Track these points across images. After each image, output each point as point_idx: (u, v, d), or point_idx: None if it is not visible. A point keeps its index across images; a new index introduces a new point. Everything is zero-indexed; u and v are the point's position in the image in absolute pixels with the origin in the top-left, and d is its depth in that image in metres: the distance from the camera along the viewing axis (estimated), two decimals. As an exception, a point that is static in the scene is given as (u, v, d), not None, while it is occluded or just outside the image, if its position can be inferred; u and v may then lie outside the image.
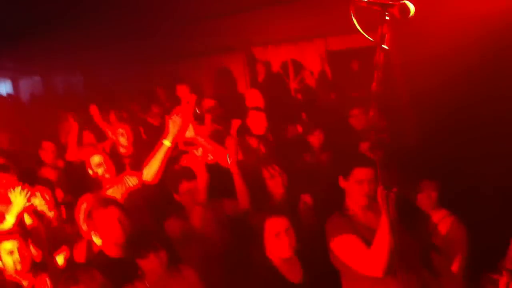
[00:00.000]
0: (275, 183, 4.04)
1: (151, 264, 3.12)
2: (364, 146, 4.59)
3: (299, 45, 9.86)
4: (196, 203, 3.93)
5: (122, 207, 3.52)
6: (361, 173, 3.10)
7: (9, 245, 3.36)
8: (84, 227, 3.66)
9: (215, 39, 9.49)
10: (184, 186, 3.95)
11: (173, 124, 4.16)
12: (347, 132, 5.63)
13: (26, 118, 10.06)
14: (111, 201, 3.55)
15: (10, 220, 3.65)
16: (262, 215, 3.36)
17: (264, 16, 8.04)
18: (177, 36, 9.26)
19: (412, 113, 6.12)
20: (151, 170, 4.16)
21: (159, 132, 6.64)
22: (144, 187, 4.37)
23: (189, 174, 4.02)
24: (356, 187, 3.11)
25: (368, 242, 2.93)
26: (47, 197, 4.18)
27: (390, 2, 1.94)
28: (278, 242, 3.13)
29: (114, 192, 4.31)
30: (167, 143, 4.15)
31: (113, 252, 3.38)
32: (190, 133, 4.58)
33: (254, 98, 6.22)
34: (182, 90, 7.69)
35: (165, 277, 3.15)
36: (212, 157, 4.76)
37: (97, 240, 3.44)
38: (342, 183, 3.20)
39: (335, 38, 9.30)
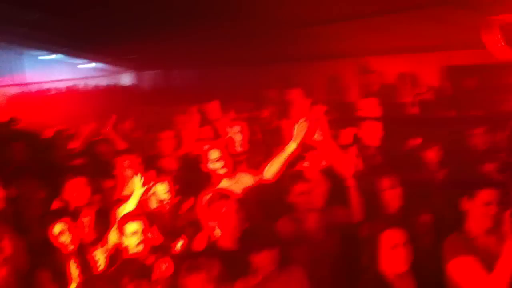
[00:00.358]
0: (392, 195, 3.97)
1: (264, 260, 3.17)
2: (489, 167, 4.37)
3: (417, 56, 9.58)
4: (310, 207, 3.95)
5: (239, 201, 3.67)
6: (488, 195, 3.01)
7: (134, 226, 3.56)
8: (204, 217, 3.80)
9: (328, 44, 9.47)
10: (298, 188, 3.98)
11: (301, 128, 4.25)
12: (467, 151, 5.41)
13: (148, 108, 10.59)
14: (230, 195, 3.71)
15: (132, 203, 3.89)
16: (377, 226, 3.31)
17: (380, 24, 7.92)
18: (291, 40, 9.36)
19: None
20: (272, 169, 4.27)
21: (273, 133, 6.86)
22: (259, 185, 4.50)
23: (304, 177, 4.06)
24: (482, 209, 3.02)
25: (488, 268, 2.82)
26: (167, 186, 4.37)
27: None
28: (394, 255, 3.06)
29: (229, 187, 4.44)
30: (293, 145, 4.23)
31: (228, 244, 3.50)
32: (316, 137, 4.60)
33: (370, 107, 6.12)
34: (296, 94, 7.78)
35: (275, 275, 3.20)
36: (325, 163, 4.77)
37: (215, 231, 3.58)
38: (465, 204, 3.10)
39: (455, 52, 8.95)
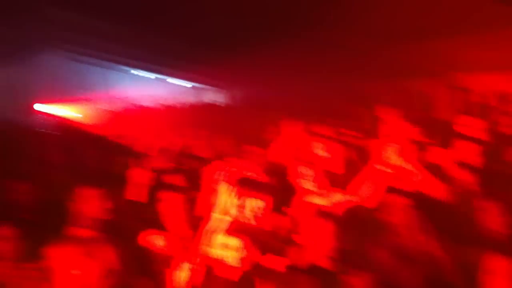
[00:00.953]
0: (493, 217, 3.73)
1: (362, 283, 3.08)
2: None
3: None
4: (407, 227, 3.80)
5: (334, 220, 3.59)
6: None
7: (234, 241, 3.54)
8: (300, 234, 3.75)
9: (417, 61, 9.24)
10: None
11: (392, 151, 4.13)
12: None
13: (237, 125, 10.75)
14: (325, 213, 3.64)
15: (226, 216, 3.88)
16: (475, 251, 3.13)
17: (471, 41, 7.68)
18: (378, 56, 9.21)
19: None
20: (364, 191, 4.17)
21: (363, 152, 6.72)
22: (352, 206, 4.42)
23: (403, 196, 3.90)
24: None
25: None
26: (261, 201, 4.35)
27: None
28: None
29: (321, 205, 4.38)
30: (383, 168, 4.11)
31: (323, 263, 3.43)
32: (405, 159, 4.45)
33: (468, 125, 5.88)
34: (386, 112, 7.60)
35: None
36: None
37: (309, 249, 3.53)
38: None
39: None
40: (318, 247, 3.52)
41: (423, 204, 4.26)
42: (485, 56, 8.23)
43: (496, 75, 9.32)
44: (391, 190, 4.24)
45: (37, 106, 19.16)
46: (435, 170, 4.81)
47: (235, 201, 4.09)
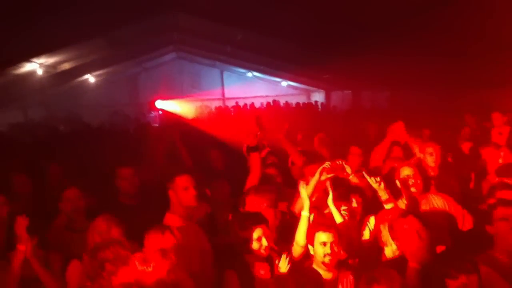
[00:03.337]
0: None
1: (460, 286, 2.97)
2: None
3: None
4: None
5: (424, 221, 3.50)
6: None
7: (324, 236, 3.54)
8: (388, 235, 3.70)
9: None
10: (500, 213, 3.62)
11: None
12: None
13: (336, 125, 10.74)
14: (411, 214, 3.58)
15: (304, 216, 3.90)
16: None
17: None
18: (490, 63, 8.71)
19: None
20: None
21: (467, 159, 6.44)
22: (450, 211, 4.29)
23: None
24: None
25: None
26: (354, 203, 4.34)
27: None
28: None
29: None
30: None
31: (413, 264, 3.38)
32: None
33: None
34: (497, 118, 7.25)
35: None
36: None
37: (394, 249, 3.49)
38: None
39: None
40: (405, 247, 3.45)
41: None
42: None
43: None
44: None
45: (158, 103, 20.22)
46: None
47: (329, 201, 4.11)
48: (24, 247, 3.79)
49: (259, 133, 4.91)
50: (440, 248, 3.68)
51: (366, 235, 4.20)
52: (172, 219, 4.00)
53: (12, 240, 3.91)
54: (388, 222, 3.72)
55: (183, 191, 4.02)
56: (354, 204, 4.30)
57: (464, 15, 6.85)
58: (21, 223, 3.84)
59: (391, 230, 3.62)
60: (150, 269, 3.01)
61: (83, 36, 10.96)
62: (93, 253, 3.20)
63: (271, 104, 20.25)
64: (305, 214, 3.83)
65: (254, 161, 4.75)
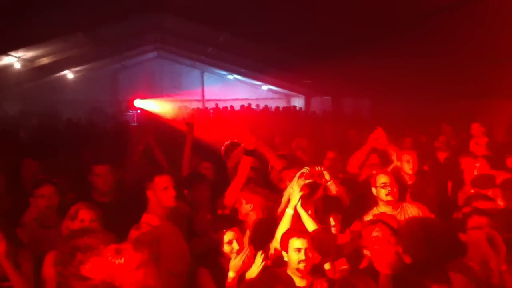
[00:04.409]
0: None
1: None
2: None
3: None
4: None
5: (394, 231, 3.52)
6: None
7: (298, 243, 3.50)
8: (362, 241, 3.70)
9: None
10: (474, 221, 3.62)
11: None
12: None
13: (315, 130, 10.80)
14: (381, 221, 3.60)
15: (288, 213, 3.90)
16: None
17: None
18: (471, 74, 8.83)
19: None
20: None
21: (443, 168, 6.52)
22: (425, 220, 4.30)
23: (484, 212, 3.70)
24: None
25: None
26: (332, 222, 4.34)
27: None
28: None
29: (390, 215, 4.29)
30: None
31: (385, 270, 3.39)
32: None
33: None
34: (476, 129, 7.34)
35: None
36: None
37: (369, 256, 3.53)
38: None
39: None
40: (375, 253, 3.46)
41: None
42: None
43: None
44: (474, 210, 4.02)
45: (137, 102, 20.12)
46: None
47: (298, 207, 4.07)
48: None
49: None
50: (413, 257, 3.67)
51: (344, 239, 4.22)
52: (149, 219, 3.95)
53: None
54: (364, 230, 3.72)
55: (162, 191, 3.99)
56: (332, 223, 4.29)
57: (448, 27, 6.93)
58: None
59: (362, 238, 3.63)
60: (121, 261, 2.94)
61: (63, 31, 10.84)
62: (66, 240, 3.15)
63: (251, 106, 20.28)
64: (289, 212, 3.84)
65: (245, 164, 4.70)
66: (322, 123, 13.47)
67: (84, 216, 3.83)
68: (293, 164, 5.41)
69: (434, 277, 3.01)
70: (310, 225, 3.97)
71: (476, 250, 3.56)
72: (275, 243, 3.79)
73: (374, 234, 3.48)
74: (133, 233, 3.43)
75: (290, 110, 19.60)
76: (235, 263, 3.54)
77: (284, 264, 3.61)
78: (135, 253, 3.00)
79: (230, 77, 22.66)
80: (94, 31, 11.86)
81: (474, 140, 7.06)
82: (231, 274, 3.52)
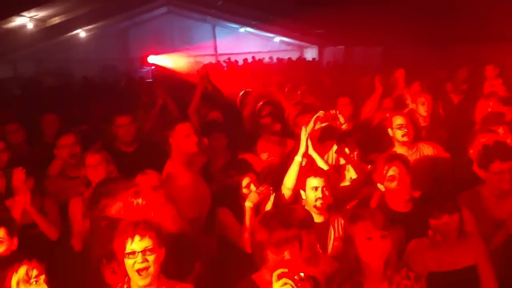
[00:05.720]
0: None
1: (443, 226, 3.09)
2: None
3: None
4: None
5: (407, 165, 3.62)
6: None
7: (315, 181, 3.67)
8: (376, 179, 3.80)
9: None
10: (496, 166, 3.66)
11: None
12: None
13: (329, 81, 10.77)
14: (398, 157, 3.69)
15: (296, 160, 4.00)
16: None
17: None
18: (483, 18, 8.68)
19: None
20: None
21: (457, 110, 6.53)
22: (436, 158, 4.41)
23: (505, 154, 3.74)
24: None
25: None
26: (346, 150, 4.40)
27: None
28: None
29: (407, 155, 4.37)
30: None
31: (398, 207, 3.55)
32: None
33: None
34: (490, 71, 7.29)
35: (452, 242, 3.11)
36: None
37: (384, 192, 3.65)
38: None
39: None
40: (390, 190, 3.58)
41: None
42: None
43: None
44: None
45: (151, 59, 20.07)
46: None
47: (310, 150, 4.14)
48: (22, 199, 3.90)
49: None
50: (423, 192, 3.77)
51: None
52: (172, 166, 4.17)
53: (9, 188, 4.02)
54: (378, 168, 3.80)
55: (184, 138, 4.19)
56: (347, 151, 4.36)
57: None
58: (18, 176, 3.95)
59: (375, 173, 3.72)
60: (139, 201, 3.24)
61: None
62: (94, 188, 3.47)
63: (264, 60, 20.17)
64: (298, 158, 3.92)
65: None
66: (336, 72, 13.42)
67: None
68: (307, 110, 5.51)
69: (444, 207, 3.10)
70: (323, 166, 4.11)
71: (494, 182, 3.67)
72: (283, 189, 3.92)
73: (391, 172, 3.56)
74: (139, 177, 3.60)
75: (303, 61, 19.43)
76: (252, 195, 3.71)
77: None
78: (154, 194, 3.32)
79: (242, 30, 22.44)
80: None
81: (488, 83, 7.02)
82: (248, 204, 3.68)
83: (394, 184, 3.54)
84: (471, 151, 4.24)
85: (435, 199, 3.25)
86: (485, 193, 3.74)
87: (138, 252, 2.59)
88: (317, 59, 19.70)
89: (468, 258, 3.11)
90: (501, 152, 3.69)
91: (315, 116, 4.17)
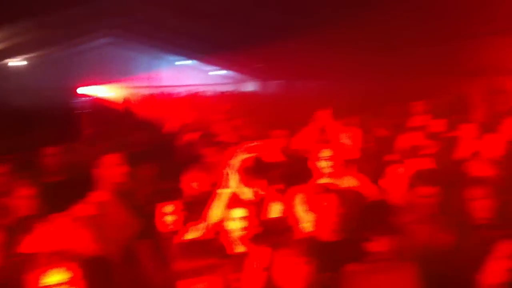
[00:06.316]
0: None
1: (376, 251, 3.18)
2: None
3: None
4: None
5: (335, 196, 3.72)
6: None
7: (239, 212, 3.69)
8: (304, 209, 3.87)
9: (457, 60, 9.14)
10: (420, 190, 3.91)
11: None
12: None
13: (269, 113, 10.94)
14: (325, 188, 3.83)
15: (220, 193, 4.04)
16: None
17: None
18: (423, 55, 9.15)
19: None
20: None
21: (386, 144, 6.78)
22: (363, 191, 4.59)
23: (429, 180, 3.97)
24: None
25: None
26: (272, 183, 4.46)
27: None
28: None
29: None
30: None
31: (326, 237, 3.61)
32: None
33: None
34: (416, 107, 7.65)
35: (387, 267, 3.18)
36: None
37: (312, 224, 3.71)
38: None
39: None
40: (322, 220, 3.65)
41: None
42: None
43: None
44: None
45: (81, 89, 19.86)
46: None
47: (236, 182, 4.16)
48: None
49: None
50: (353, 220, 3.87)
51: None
52: (98, 195, 4.16)
53: None
54: (306, 198, 3.89)
55: (112, 167, 4.25)
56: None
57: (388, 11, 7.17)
58: None
59: (309, 206, 3.79)
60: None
61: (10, 17, 10.57)
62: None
63: (203, 92, 20.27)
64: (224, 190, 3.95)
65: None
66: (272, 105, 13.65)
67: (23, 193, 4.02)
68: (242, 141, 5.59)
69: (376, 233, 3.23)
70: (249, 197, 4.11)
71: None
72: (208, 219, 3.90)
73: (323, 203, 3.66)
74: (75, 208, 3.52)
75: (240, 94, 19.66)
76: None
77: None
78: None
79: (183, 62, 22.55)
80: (41, 17, 11.59)
81: (416, 118, 7.38)
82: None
83: (320, 214, 3.64)
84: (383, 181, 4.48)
85: (365, 226, 3.36)
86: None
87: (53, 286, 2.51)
88: (257, 92, 19.97)
89: (403, 283, 3.18)
90: (424, 178, 3.92)
91: (242, 148, 4.25)
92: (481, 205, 3.74)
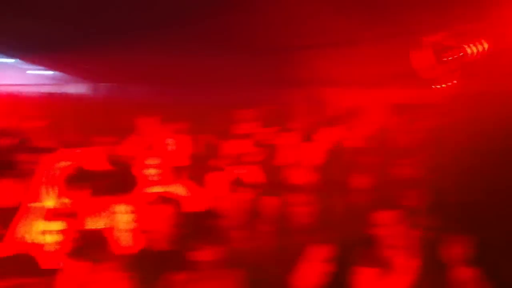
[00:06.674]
0: None
1: (201, 257, 3.18)
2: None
3: (368, 91, 9.76)
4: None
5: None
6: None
7: (56, 225, 3.47)
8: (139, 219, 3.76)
9: (280, 72, 9.60)
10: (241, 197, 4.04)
11: None
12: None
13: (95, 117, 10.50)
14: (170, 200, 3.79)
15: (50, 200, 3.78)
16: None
17: (336, 55, 8.06)
18: (248, 65, 9.45)
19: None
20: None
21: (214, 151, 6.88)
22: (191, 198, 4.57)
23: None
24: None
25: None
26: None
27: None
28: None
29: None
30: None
31: (161, 245, 3.56)
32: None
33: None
34: (244, 115, 7.90)
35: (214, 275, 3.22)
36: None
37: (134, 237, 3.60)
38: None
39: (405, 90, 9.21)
40: (158, 230, 3.60)
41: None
42: (345, 71, 8.73)
43: (353, 89, 9.94)
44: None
45: None
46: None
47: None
48: None
49: None
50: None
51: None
52: None
53: None
54: (133, 208, 3.77)
55: None
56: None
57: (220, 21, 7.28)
58: None
59: (137, 216, 3.68)
60: None
61: None
62: None
63: (25, 93, 18.77)
64: (38, 202, 3.72)
65: None
66: (100, 108, 13.17)
67: None
68: (67, 146, 5.25)
69: (201, 241, 3.26)
70: (65, 210, 3.87)
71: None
72: (16, 235, 3.64)
73: (153, 212, 3.58)
74: None
75: (65, 96, 18.60)
76: None
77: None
78: None
79: (3, 61, 20.70)
80: None
81: (241, 125, 7.61)
82: None
83: (149, 224, 3.56)
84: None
85: (192, 235, 3.35)
86: None
87: None
88: (84, 95, 19.06)
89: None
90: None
91: (64, 155, 3.99)
92: (299, 211, 3.96)
